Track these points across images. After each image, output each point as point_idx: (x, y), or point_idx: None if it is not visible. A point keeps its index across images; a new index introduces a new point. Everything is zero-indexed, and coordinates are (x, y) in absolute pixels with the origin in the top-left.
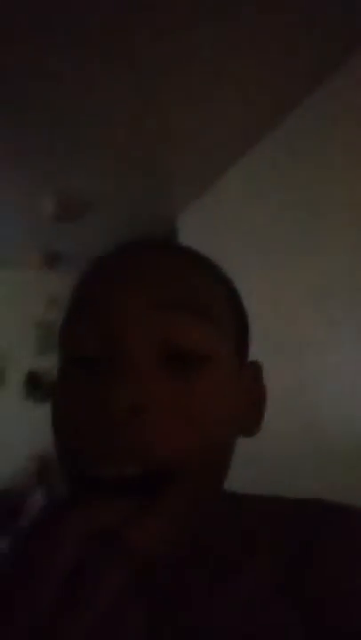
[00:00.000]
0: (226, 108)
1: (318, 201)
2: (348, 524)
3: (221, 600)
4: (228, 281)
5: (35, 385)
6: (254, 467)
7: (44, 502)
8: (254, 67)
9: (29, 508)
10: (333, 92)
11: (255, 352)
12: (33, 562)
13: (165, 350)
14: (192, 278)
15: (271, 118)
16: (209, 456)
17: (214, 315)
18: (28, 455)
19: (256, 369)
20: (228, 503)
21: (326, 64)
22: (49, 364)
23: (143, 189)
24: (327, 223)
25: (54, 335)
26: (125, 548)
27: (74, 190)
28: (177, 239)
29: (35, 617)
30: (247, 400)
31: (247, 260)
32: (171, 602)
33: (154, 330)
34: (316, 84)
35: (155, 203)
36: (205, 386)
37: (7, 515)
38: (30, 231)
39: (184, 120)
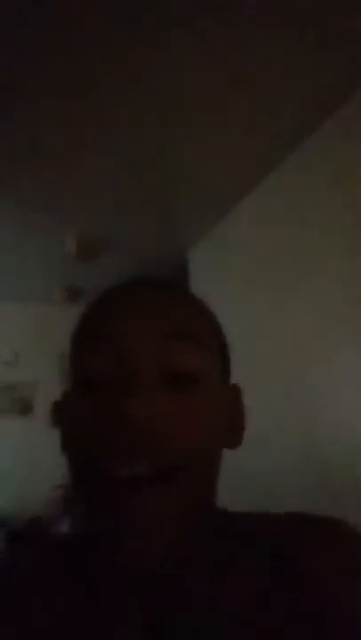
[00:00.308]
0: (233, 144)
1: (322, 234)
2: (326, 534)
3: (221, 602)
4: (213, 315)
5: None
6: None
7: (69, 531)
8: (260, 102)
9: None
10: (342, 125)
11: (263, 373)
12: None
13: (166, 371)
14: (187, 312)
15: (277, 155)
16: (205, 457)
17: (205, 343)
18: (54, 483)
19: (237, 390)
20: (220, 517)
21: (339, 93)
22: None
23: (156, 227)
24: (327, 262)
25: None
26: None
27: (93, 231)
28: (188, 273)
29: None
30: (230, 415)
31: (253, 290)
32: (171, 602)
33: (158, 355)
34: (324, 117)
35: (167, 239)
36: (199, 400)
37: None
38: (55, 268)
39: (194, 158)
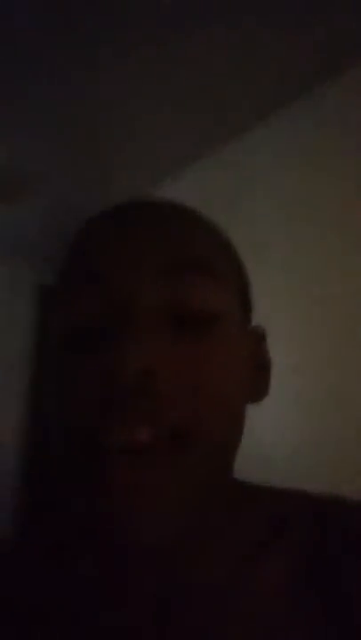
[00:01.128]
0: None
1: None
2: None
3: (238, 589)
4: (229, 242)
5: None
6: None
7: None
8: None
9: None
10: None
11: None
12: None
13: (174, 311)
14: (196, 238)
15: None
16: (222, 418)
17: (219, 273)
18: None
19: (260, 333)
20: (241, 489)
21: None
22: None
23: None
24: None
25: None
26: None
27: (9, 164)
28: None
29: None
30: (253, 363)
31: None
32: (183, 587)
33: (163, 290)
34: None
35: (111, 180)
36: (217, 345)
37: None
38: None
39: (164, 91)
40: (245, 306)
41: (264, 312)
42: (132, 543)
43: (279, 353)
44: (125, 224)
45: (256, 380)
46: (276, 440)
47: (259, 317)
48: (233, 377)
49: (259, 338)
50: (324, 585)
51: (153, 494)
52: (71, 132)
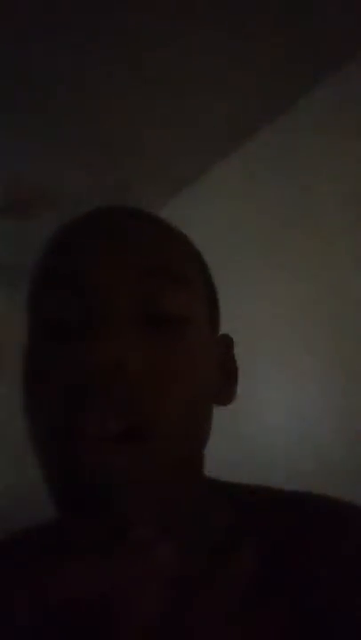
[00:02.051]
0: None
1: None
2: (338, 514)
3: (209, 577)
4: (199, 253)
5: None
6: None
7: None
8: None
9: None
10: (333, 91)
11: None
12: None
13: (146, 312)
14: (169, 247)
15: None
16: (188, 413)
17: (189, 281)
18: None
19: (228, 340)
20: (212, 487)
21: (325, 63)
22: None
23: (116, 185)
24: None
25: None
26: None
27: (28, 176)
28: None
29: None
30: (221, 369)
31: (230, 255)
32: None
33: (135, 293)
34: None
35: (131, 193)
36: (185, 346)
37: None
38: None
39: (176, 105)
40: (213, 314)
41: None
42: (105, 522)
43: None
44: (105, 228)
45: (223, 384)
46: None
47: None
48: (198, 377)
49: (227, 345)
50: (293, 572)
51: (122, 478)
52: (88, 145)
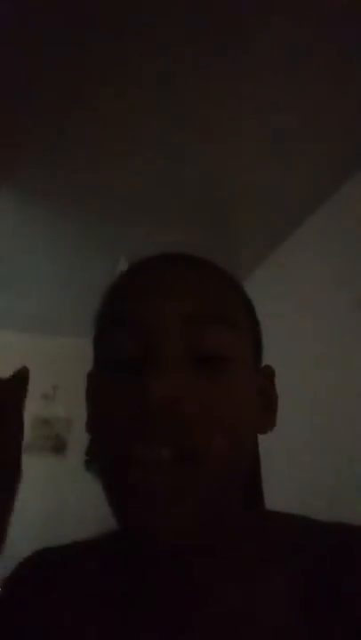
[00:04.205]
0: (290, 170)
1: None
2: None
3: (250, 603)
4: (245, 293)
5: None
6: None
7: None
8: (321, 123)
9: None
10: None
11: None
12: None
13: (196, 353)
14: (215, 291)
15: (336, 181)
16: (233, 441)
17: (236, 323)
18: (82, 528)
19: (270, 371)
20: (252, 511)
21: None
22: None
23: (210, 253)
24: None
25: None
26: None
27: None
28: None
29: None
30: (262, 399)
31: (310, 323)
32: (194, 592)
33: (186, 336)
34: None
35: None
36: (230, 382)
37: None
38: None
39: (251, 182)
40: (256, 349)
41: None
42: (151, 544)
43: None
44: (162, 274)
45: (264, 413)
46: None
47: None
48: (243, 410)
49: (268, 376)
50: (326, 602)
51: (170, 503)
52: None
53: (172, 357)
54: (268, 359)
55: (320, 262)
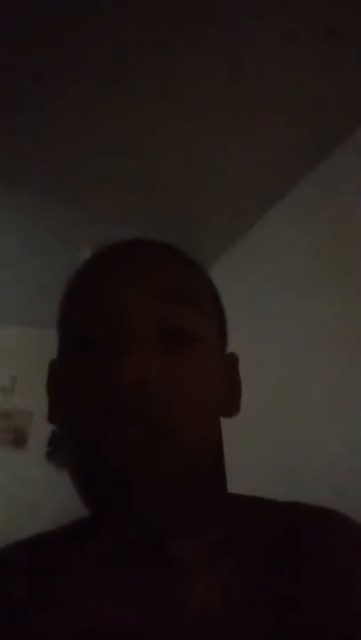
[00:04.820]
0: (258, 157)
1: (353, 250)
2: (332, 522)
3: (222, 574)
4: (209, 279)
5: (58, 446)
6: None
7: None
8: (292, 103)
9: None
10: None
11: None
12: None
13: (163, 333)
14: (184, 273)
15: (303, 167)
16: (203, 421)
17: (201, 305)
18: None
19: (234, 358)
20: (219, 493)
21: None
22: None
23: (177, 240)
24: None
25: None
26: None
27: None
28: None
29: None
30: (227, 383)
31: (278, 309)
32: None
33: (153, 315)
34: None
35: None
36: (197, 361)
37: None
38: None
39: (219, 169)
40: (222, 334)
41: None
42: (131, 518)
43: None
44: (130, 256)
45: (228, 397)
46: None
47: None
48: (209, 390)
49: (233, 362)
50: (288, 576)
51: (144, 480)
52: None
53: (139, 335)
54: (238, 344)
55: (291, 248)
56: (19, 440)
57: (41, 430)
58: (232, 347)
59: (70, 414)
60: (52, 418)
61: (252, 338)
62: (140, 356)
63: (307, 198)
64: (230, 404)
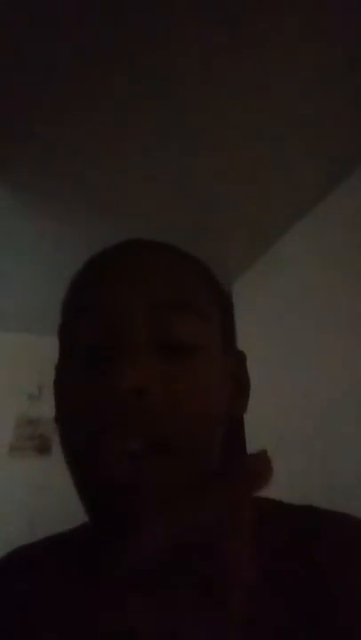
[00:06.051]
0: (280, 175)
1: None
2: (343, 524)
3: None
4: (214, 279)
5: None
6: None
7: None
8: (313, 129)
9: None
10: None
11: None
12: None
13: (162, 342)
14: (182, 279)
15: (325, 187)
16: (203, 428)
17: (202, 312)
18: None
19: (241, 356)
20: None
21: None
22: None
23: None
24: None
25: None
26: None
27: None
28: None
29: None
30: (234, 383)
31: (302, 326)
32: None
33: (153, 325)
34: None
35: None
36: (198, 371)
37: None
38: None
39: (240, 187)
40: (226, 335)
41: None
42: (131, 536)
43: None
44: (129, 262)
45: (237, 396)
46: None
47: None
48: (211, 396)
49: (241, 360)
50: (298, 576)
51: (144, 492)
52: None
53: (140, 345)
54: (262, 360)
55: (315, 262)
56: (43, 447)
57: None
58: (257, 362)
59: (71, 422)
60: (57, 420)
61: (276, 353)
62: (139, 366)
63: (333, 214)
64: (239, 401)
